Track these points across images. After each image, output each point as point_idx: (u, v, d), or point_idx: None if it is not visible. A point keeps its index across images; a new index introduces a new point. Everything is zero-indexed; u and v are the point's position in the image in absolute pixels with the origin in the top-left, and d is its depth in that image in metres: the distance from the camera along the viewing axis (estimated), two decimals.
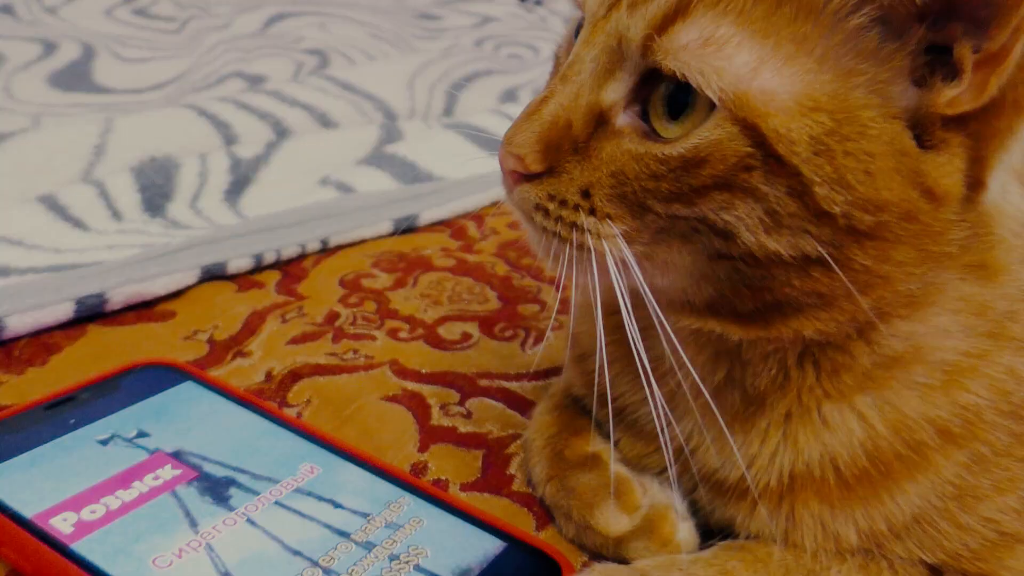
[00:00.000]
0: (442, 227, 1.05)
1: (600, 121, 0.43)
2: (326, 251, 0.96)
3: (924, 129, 0.39)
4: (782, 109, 0.38)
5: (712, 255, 0.42)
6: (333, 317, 0.82)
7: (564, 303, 0.65)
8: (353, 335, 0.79)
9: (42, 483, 0.53)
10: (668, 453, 0.49)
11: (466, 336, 0.80)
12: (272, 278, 0.89)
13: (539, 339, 0.80)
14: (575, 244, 0.44)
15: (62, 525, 0.50)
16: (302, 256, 0.94)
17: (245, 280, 0.88)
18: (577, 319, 0.61)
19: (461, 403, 0.70)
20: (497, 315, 0.84)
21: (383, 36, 1.86)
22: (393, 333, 0.80)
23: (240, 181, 1.06)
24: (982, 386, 0.45)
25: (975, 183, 0.41)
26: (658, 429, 0.48)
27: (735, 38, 0.38)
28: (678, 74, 0.39)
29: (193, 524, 0.51)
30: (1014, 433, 0.45)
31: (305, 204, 1.01)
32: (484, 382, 0.72)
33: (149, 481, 0.54)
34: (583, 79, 0.43)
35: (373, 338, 0.79)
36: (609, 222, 0.43)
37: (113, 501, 0.52)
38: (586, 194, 0.43)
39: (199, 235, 0.90)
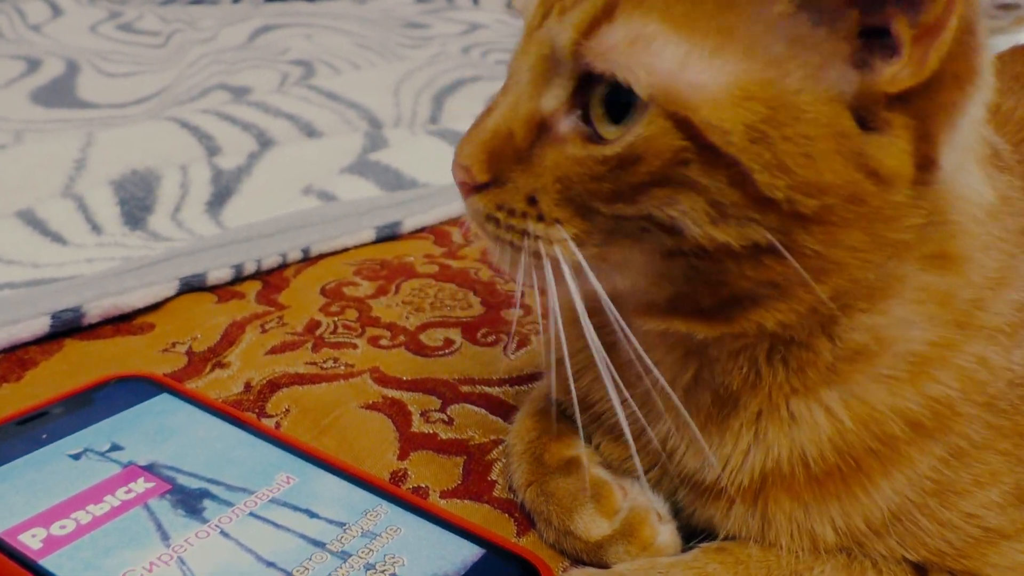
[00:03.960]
0: (426, 233, 1.05)
1: (542, 128, 0.43)
2: (308, 260, 0.96)
3: (867, 111, 0.39)
4: (712, 100, 0.37)
5: (665, 252, 0.41)
6: (314, 326, 0.81)
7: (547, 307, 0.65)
8: (334, 344, 0.78)
9: (11, 499, 0.52)
10: (637, 460, 0.49)
11: (448, 342, 0.79)
12: (252, 288, 0.88)
13: (522, 344, 0.79)
14: (528, 251, 0.44)
15: (31, 541, 0.49)
16: (283, 266, 0.93)
17: (225, 291, 0.88)
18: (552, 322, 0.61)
19: (442, 409, 0.69)
20: (480, 320, 0.83)
21: (369, 45, 1.86)
22: (374, 341, 0.79)
23: (222, 192, 1.05)
24: (952, 377, 0.44)
25: (927, 163, 0.40)
26: (627, 437, 0.48)
27: (661, 35, 0.38)
28: (607, 74, 0.39)
29: (165, 537, 0.50)
30: (992, 425, 0.44)
31: (287, 213, 1.00)
32: (466, 388, 0.72)
33: (121, 495, 0.53)
34: (521, 89, 0.43)
35: (354, 346, 0.78)
36: (559, 226, 0.43)
37: (84, 516, 0.51)
38: (532, 201, 0.43)
39: (178, 247, 0.89)
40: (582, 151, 0.41)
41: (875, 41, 0.38)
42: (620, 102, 0.40)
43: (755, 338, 0.45)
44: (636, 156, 0.39)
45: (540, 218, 0.43)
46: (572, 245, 0.43)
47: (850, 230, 0.40)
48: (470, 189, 0.45)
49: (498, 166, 0.44)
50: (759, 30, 0.38)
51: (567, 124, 0.42)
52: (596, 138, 0.41)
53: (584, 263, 0.43)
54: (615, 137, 0.40)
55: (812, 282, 0.40)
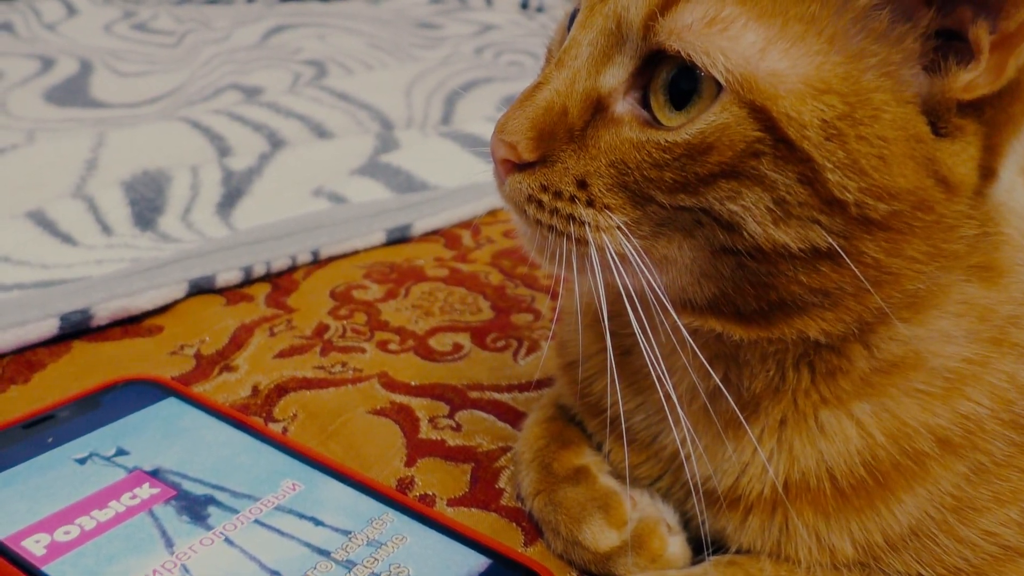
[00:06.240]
0: (436, 236, 1.04)
1: (598, 108, 0.41)
2: (317, 262, 0.95)
3: (939, 116, 0.38)
4: (792, 91, 0.36)
5: (716, 249, 0.40)
6: (322, 330, 0.81)
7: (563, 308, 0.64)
8: (342, 348, 0.78)
9: (16, 504, 0.52)
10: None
11: (457, 347, 0.78)
12: (262, 291, 0.88)
13: (532, 349, 0.78)
14: (572, 238, 0.42)
15: (34, 547, 0.48)
16: (292, 268, 0.93)
17: (234, 293, 0.87)
18: (564, 325, 0.60)
19: (450, 416, 0.68)
20: (490, 325, 0.82)
21: (382, 46, 1.86)
22: (383, 345, 0.78)
23: (232, 193, 1.05)
24: (983, 395, 0.43)
25: (987, 173, 0.39)
26: (677, 441, 0.46)
27: (741, 18, 0.37)
28: (683, 54, 0.37)
29: (169, 544, 0.49)
30: (1015, 443, 0.44)
31: (296, 215, 1.00)
32: (475, 394, 0.71)
33: (126, 500, 0.53)
34: (579, 64, 0.41)
35: (362, 351, 0.77)
36: (609, 213, 0.41)
37: (88, 522, 0.51)
38: (582, 184, 0.41)
39: (188, 248, 0.89)
40: (642, 135, 0.39)
41: (948, 45, 0.37)
42: (682, 88, 0.38)
43: (792, 343, 0.44)
44: (707, 145, 0.37)
45: (589, 203, 0.41)
46: (621, 234, 0.41)
47: (913, 239, 0.39)
48: (512, 167, 0.42)
49: (548, 145, 0.41)
50: (843, 22, 0.37)
51: (624, 106, 0.40)
52: (654, 123, 0.39)
53: (631, 253, 0.41)
54: (678, 124, 0.38)
55: (873, 292, 0.39)
